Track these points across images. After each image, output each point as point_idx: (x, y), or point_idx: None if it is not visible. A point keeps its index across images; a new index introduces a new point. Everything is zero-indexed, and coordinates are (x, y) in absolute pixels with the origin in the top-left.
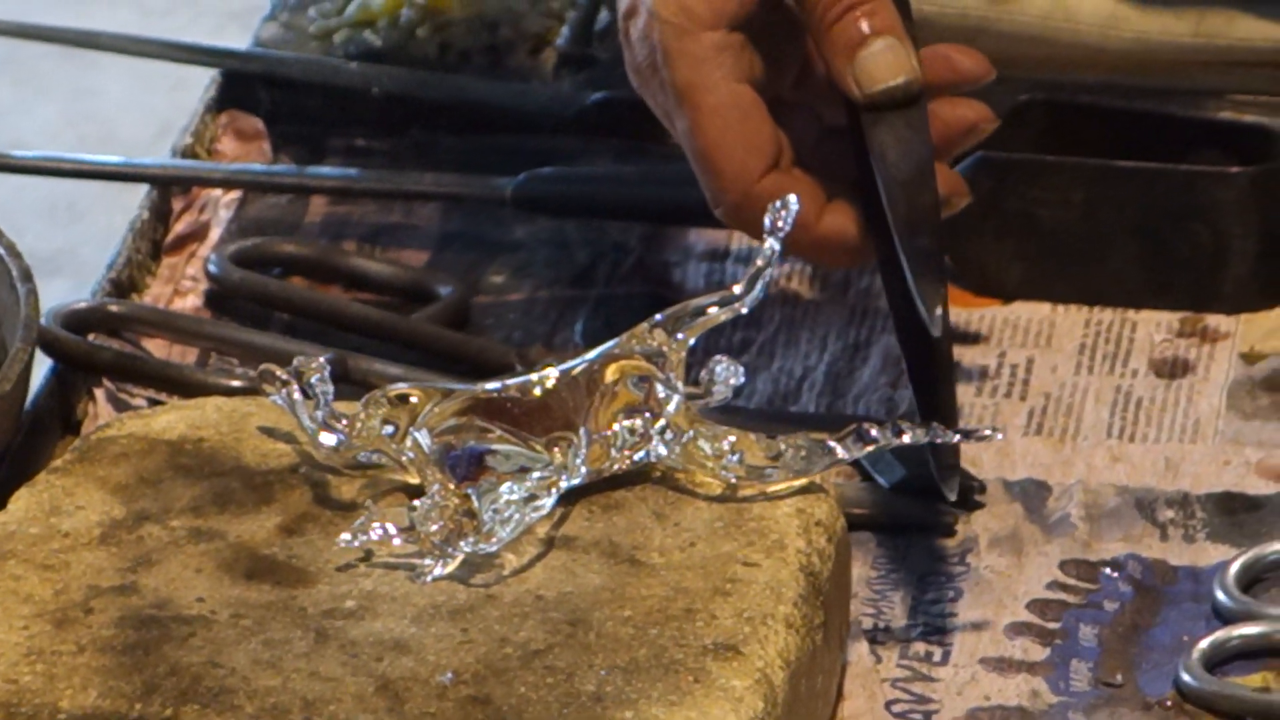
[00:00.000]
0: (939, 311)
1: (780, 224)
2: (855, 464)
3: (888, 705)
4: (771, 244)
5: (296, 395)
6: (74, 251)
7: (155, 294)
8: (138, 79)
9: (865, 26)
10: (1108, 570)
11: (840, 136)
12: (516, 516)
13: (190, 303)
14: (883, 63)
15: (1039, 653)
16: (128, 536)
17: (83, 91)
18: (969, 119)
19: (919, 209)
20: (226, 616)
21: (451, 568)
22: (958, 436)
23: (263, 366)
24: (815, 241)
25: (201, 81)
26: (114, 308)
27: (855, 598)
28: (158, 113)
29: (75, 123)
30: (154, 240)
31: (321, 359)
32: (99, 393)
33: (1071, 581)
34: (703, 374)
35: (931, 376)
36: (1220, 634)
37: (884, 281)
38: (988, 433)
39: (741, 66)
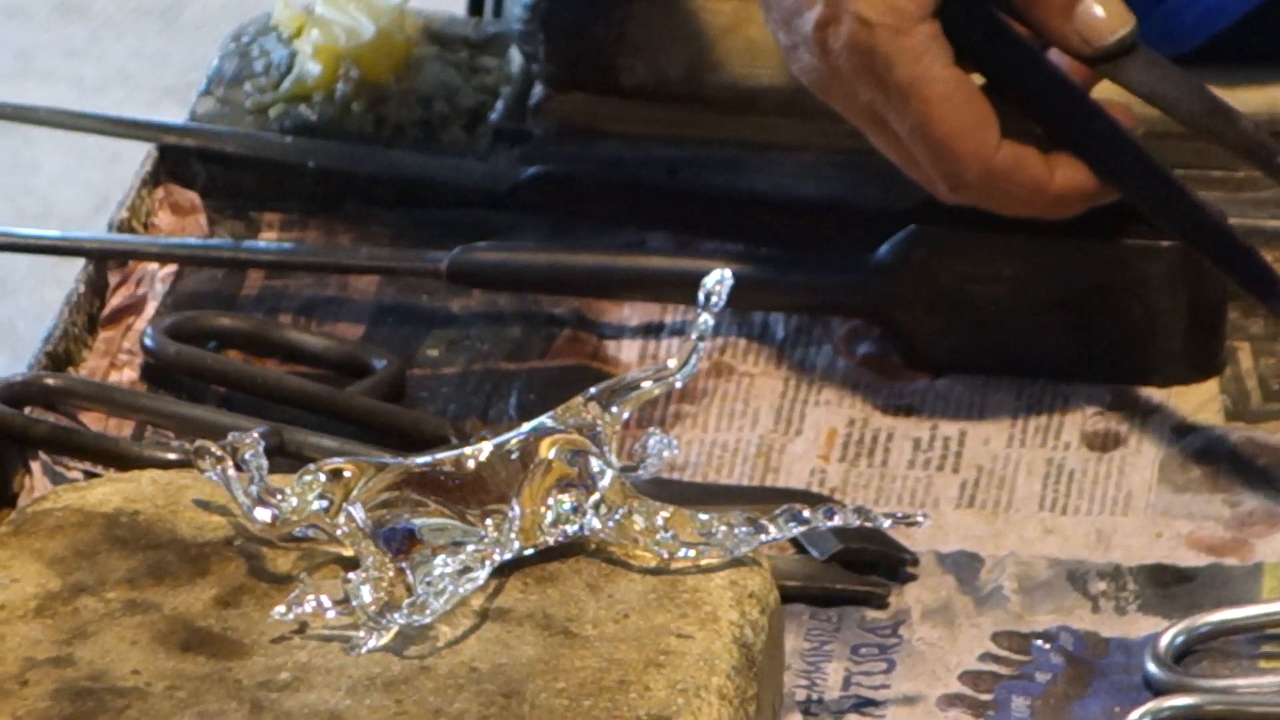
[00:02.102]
0: None
1: (715, 299)
2: None
3: None
4: (705, 318)
5: (231, 471)
6: (10, 325)
7: (91, 367)
8: (74, 153)
9: None
10: (1040, 642)
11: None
12: (450, 588)
13: (126, 376)
14: (1106, 13)
15: None
16: (63, 609)
17: (19, 165)
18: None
19: (1246, 124)
20: (162, 688)
21: (386, 639)
22: (888, 521)
23: (198, 443)
24: (1053, 199)
25: (138, 156)
26: (50, 381)
27: (788, 669)
28: (95, 187)
29: (11, 196)
30: (90, 314)
31: (256, 434)
32: (35, 465)
33: (1004, 653)
34: (636, 446)
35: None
36: (1151, 705)
37: (1145, 208)
38: (919, 519)
39: (948, 52)
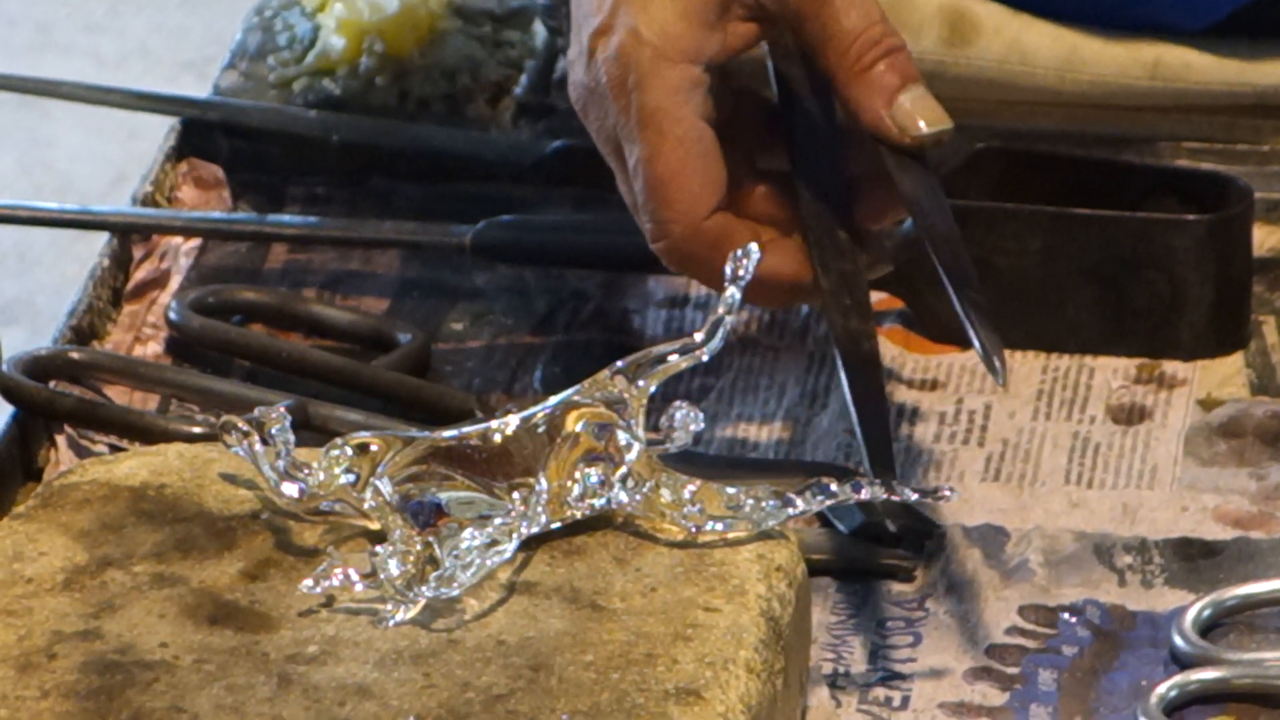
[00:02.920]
0: (998, 363)
1: (741, 272)
2: None
3: None
4: (732, 292)
5: (258, 446)
6: (29, 300)
7: (116, 341)
8: (92, 128)
9: (899, 74)
10: (1066, 615)
11: (770, 180)
12: (477, 561)
13: (151, 349)
14: (926, 108)
15: (998, 698)
16: (91, 582)
17: (38, 140)
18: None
19: (964, 260)
20: (189, 662)
21: (413, 613)
22: (915, 495)
23: (224, 418)
24: (754, 281)
25: (156, 130)
26: (75, 355)
27: (815, 643)
28: (113, 161)
29: (30, 171)
30: (114, 287)
31: (282, 409)
32: (60, 439)
33: (1030, 626)
34: (663, 420)
35: (876, 410)
36: (1178, 678)
37: (830, 322)
38: (946, 493)
39: (706, 107)
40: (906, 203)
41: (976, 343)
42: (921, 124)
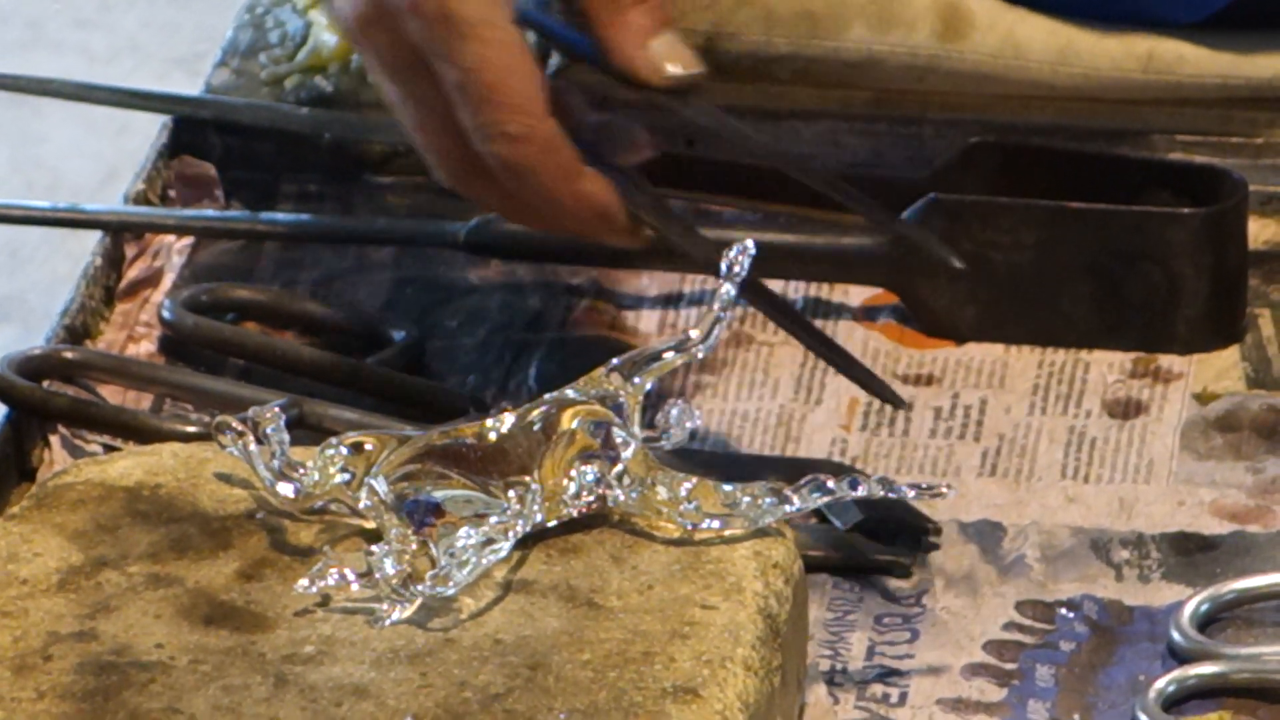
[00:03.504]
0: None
1: (737, 269)
2: None
3: None
4: (727, 288)
5: (253, 446)
6: (21, 298)
7: (109, 340)
8: (83, 125)
9: (652, 19)
10: (1064, 611)
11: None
12: (473, 560)
13: (144, 348)
14: (676, 51)
15: (996, 694)
16: (86, 583)
17: (28, 138)
18: None
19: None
20: (185, 662)
21: (409, 611)
22: (912, 492)
23: (218, 418)
24: (578, 195)
25: (147, 128)
26: (68, 354)
27: (812, 640)
28: (104, 159)
29: (20, 168)
30: (107, 286)
31: (277, 408)
32: (54, 439)
33: (1028, 622)
34: (658, 417)
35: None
36: (1176, 673)
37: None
38: (944, 490)
39: (515, 19)
40: (710, 131)
41: (857, 380)
42: (670, 66)
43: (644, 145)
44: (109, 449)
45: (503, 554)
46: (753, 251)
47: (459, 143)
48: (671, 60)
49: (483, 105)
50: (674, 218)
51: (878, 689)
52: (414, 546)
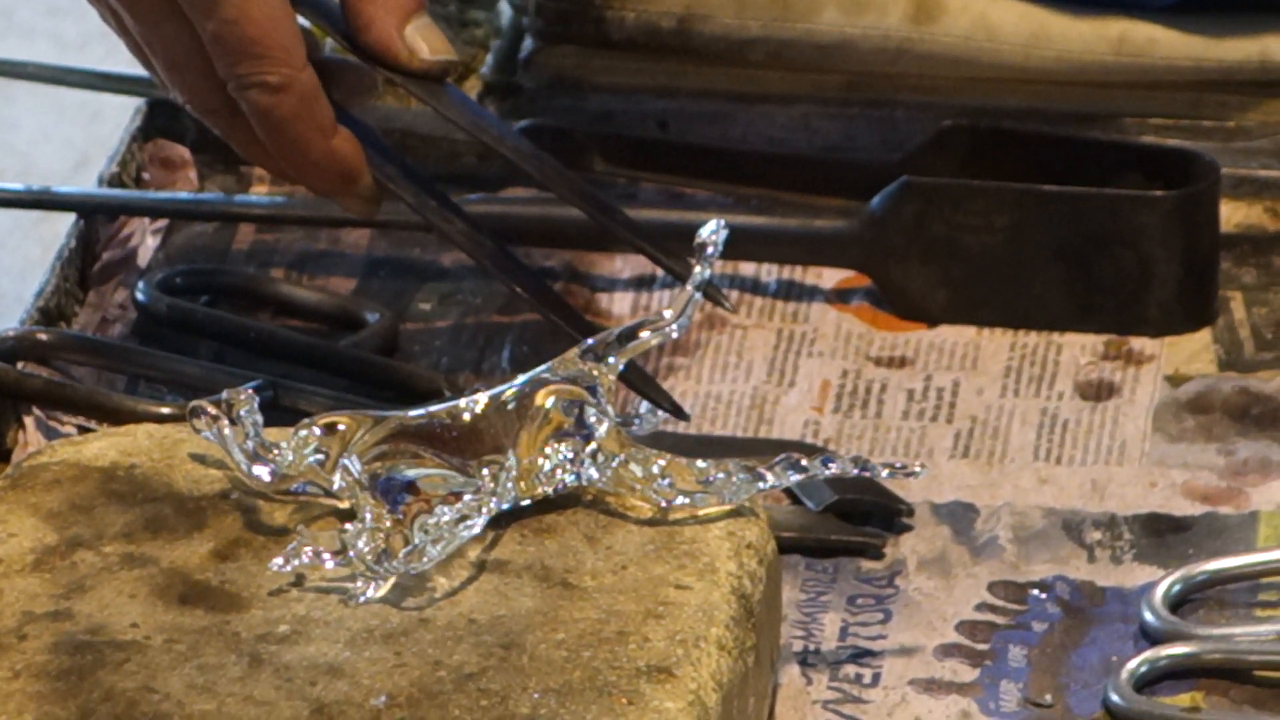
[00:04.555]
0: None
1: (711, 249)
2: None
3: None
4: (701, 269)
5: (227, 430)
6: None
7: (83, 322)
8: (53, 111)
9: (410, 1)
10: (1036, 591)
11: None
12: (447, 536)
13: (118, 331)
14: (432, 35)
15: (969, 674)
16: (61, 563)
17: None
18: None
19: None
20: (160, 642)
21: (384, 590)
22: (885, 472)
23: (192, 403)
24: (328, 152)
25: (119, 114)
26: (42, 336)
27: (785, 620)
28: (75, 144)
29: None
30: (81, 269)
31: (250, 390)
32: (29, 420)
33: (1000, 603)
34: (630, 409)
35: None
36: (1149, 654)
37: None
38: (917, 469)
39: None
40: (460, 125)
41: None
42: (426, 50)
43: (369, 86)
44: (83, 430)
45: (476, 530)
46: (725, 232)
47: (214, 85)
48: (428, 44)
49: (242, 57)
50: (423, 192)
51: (850, 669)
52: (388, 524)
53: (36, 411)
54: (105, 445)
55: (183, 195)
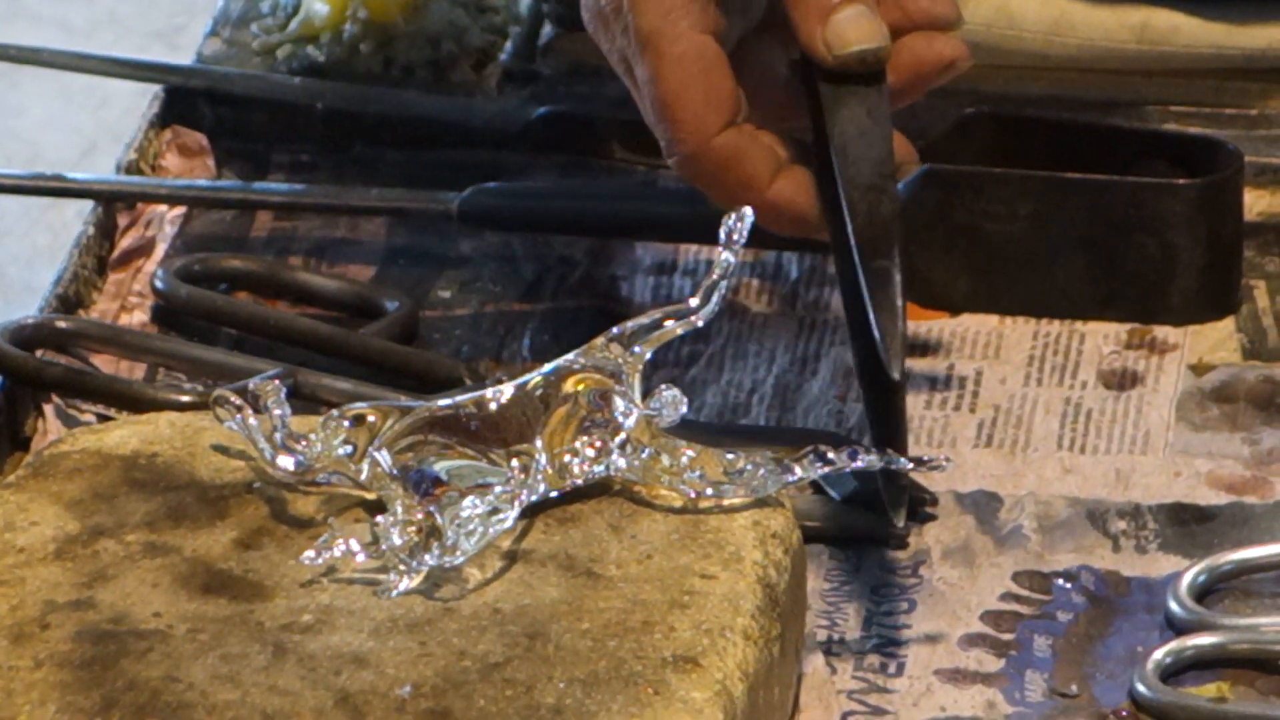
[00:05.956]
0: (897, 351)
1: (736, 236)
2: None
3: (844, 717)
4: (727, 256)
5: (251, 420)
6: (1, 271)
7: (102, 310)
8: (61, 97)
9: None
10: (1060, 581)
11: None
12: (480, 529)
13: (137, 318)
14: (857, 26)
15: (994, 664)
16: (83, 551)
17: (5, 110)
18: (946, 55)
19: (879, 220)
20: (184, 631)
21: (417, 581)
22: (911, 465)
23: (215, 393)
24: (765, 205)
25: (127, 99)
26: (61, 323)
27: (810, 610)
28: (83, 131)
29: None
30: (100, 256)
31: (277, 381)
32: (48, 408)
33: (1025, 593)
34: (651, 400)
35: (885, 403)
36: (1174, 644)
37: (840, 281)
38: (943, 463)
39: (708, 18)
40: (833, 146)
41: (873, 324)
42: (849, 41)
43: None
44: (103, 418)
45: (509, 523)
46: (750, 219)
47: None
48: (851, 34)
49: (658, 121)
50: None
51: (875, 659)
52: (420, 516)
53: (56, 400)
54: (127, 433)
55: (200, 182)
